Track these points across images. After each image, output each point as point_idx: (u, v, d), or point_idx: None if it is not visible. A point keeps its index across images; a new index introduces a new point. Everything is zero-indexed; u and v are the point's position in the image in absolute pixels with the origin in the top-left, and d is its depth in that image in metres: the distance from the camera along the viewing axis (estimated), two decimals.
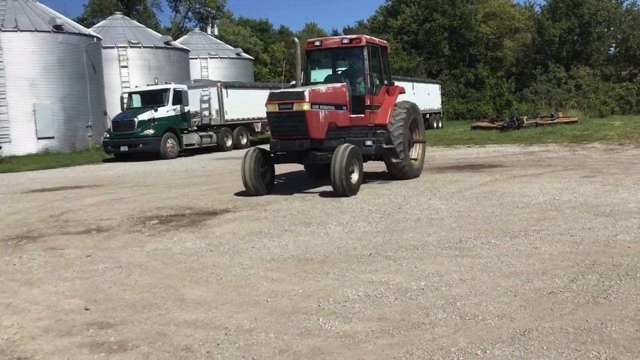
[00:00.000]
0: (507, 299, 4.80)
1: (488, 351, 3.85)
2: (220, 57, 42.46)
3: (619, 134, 22.19)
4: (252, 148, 11.64)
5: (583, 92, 42.89)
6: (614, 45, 53.27)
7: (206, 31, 49.53)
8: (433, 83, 41.26)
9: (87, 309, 5.11)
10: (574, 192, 9.71)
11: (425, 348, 3.95)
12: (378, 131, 11.93)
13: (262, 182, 11.27)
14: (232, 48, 45.39)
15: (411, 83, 35.78)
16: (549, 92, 42.65)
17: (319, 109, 10.96)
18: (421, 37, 51.43)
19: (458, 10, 50.88)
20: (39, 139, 27.72)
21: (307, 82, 12.35)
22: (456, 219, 8.06)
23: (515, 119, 27.69)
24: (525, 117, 28.82)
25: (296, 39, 12.64)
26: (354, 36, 12.47)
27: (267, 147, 11.80)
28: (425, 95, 37.02)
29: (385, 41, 13.77)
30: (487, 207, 8.74)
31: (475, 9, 52.74)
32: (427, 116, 37.38)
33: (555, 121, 27.35)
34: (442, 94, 42.50)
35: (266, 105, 11.06)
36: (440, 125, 38.43)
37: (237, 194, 11.48)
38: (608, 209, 8.15)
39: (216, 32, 50.50)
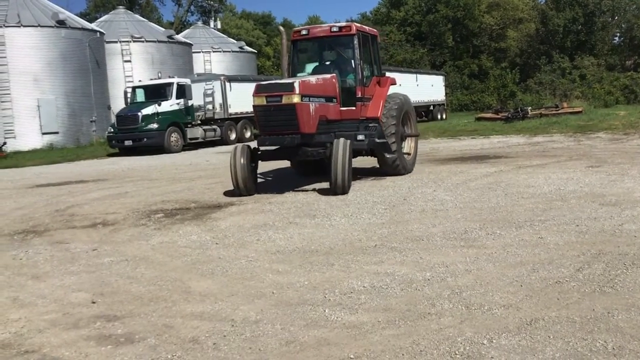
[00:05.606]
0: (513, 289, 4.79)
1: (494, 341, 3.85)
2: (223, 51, 42.40)
3: (624, 123, 22.09)
4: (239, 145, 10.76)
5: (587, 82, 42.74)
6: (618, 34, 53.09)
7: (209, 25, 49.43)
8: (437, 74, 41.12)
9: (93, 302, 5.13)
10: (579, 182, 9.68)
11: (431, 338, 3.96)
12: (370, 125, 11.12)
13: (252, 180, 10.51)
14: (235, 41, 45.33)
15: (415, 75, 35.72)
16: (553, 82, 42.49)
17: (310, 101, 10.22)
18: (424, 28, 51.26)
19: (461, 1, 50.63)
20: (43, 134, 27.80)
21: (294, 73, 11.59)
22: (461, 209, 8.05)
23: (519, 109, 27.62)
24: (530, 107, 28.74)
25: (281, 28, 12.04)
26: (343, 24, 11.65)
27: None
28: (428, 87, 36.95)
29: (375, 29, 12.74)
30: (492, 198, 8.73)
31: (478, 0, 52.47)
32: (431, 108, 37.32)
33: (559, 111, 27.25)
34: (446, 86, 42.37)
35: (253, 97, 10.21)
36: (444, 116, 38.34)
37: None
38: (613, 199, 8.12)
39: (219, 26, 50.47)
